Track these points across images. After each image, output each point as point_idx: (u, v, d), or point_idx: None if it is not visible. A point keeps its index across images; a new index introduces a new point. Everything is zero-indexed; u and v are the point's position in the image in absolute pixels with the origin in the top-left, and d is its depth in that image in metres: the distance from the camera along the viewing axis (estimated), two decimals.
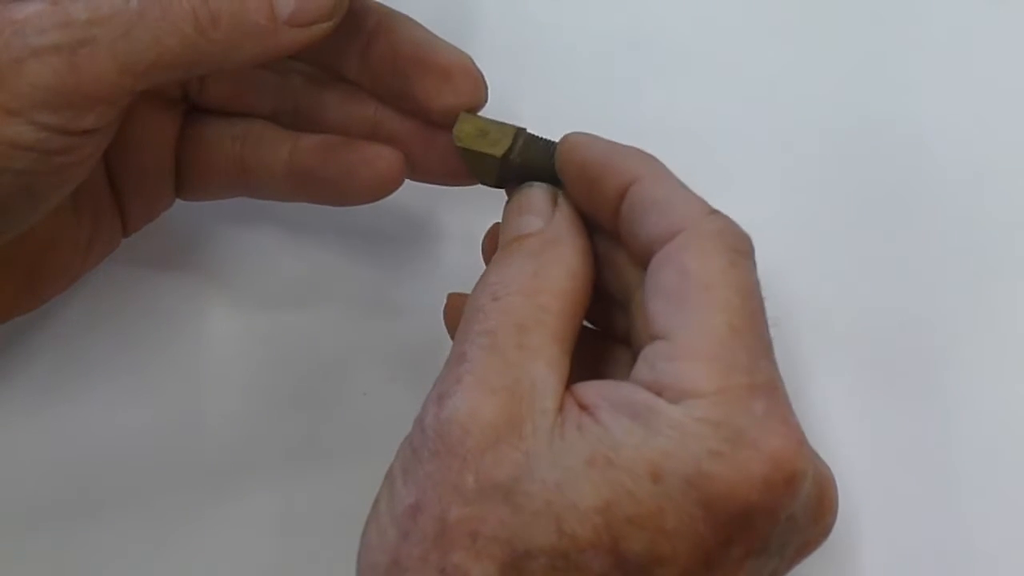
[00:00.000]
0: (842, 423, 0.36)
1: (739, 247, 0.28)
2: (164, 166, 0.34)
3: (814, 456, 0.27)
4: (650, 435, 0.25)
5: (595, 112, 0.31)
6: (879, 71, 0.41)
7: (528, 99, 0.37)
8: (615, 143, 0.30)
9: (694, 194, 0.29)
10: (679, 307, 0.27)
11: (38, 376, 0.36)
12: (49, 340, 0.36)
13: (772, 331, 0.30)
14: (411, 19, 0.33)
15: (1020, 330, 0.38)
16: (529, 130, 0.32)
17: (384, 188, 0.34)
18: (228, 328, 0.37)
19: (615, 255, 0.30)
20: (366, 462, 0.35)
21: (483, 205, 0.35)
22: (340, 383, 0.37)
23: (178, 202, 0.36)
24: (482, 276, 0.29)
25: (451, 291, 0.34)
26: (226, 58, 0.29)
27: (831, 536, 0.33)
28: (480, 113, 0.33)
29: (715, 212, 0.28)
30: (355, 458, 0.36)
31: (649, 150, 0.30)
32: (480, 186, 0.33)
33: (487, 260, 0.33)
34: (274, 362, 0.37)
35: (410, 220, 0.37)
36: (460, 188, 0.34)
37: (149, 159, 0.34)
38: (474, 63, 0.33)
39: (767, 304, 0.30)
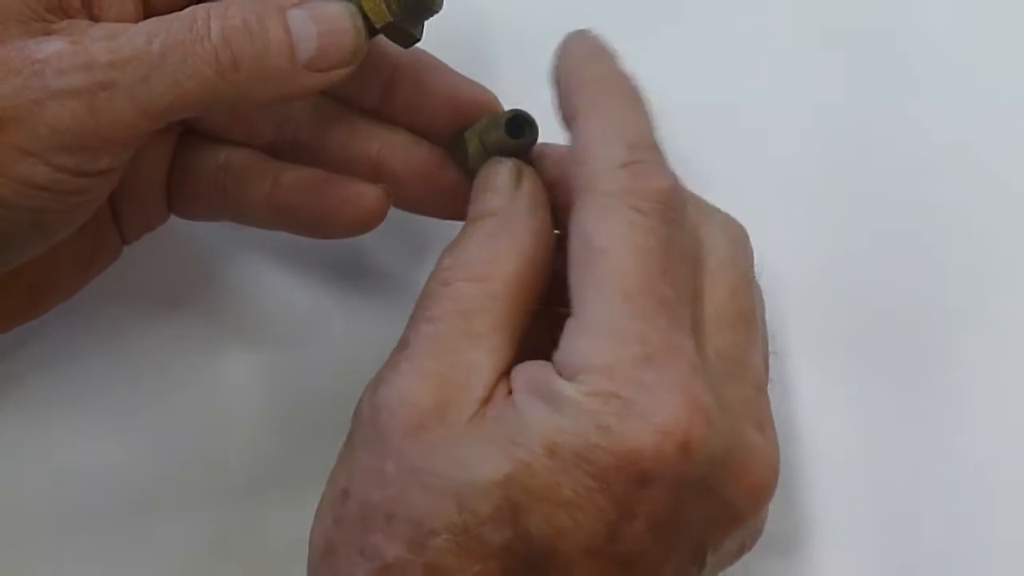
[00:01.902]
0: (835, 418, 0.36)
1: (641, 205, 0.27)
2: (158, 185, 0.34)
3: (738, 425, 0.27)
4: (549, 413, 0.26)
5: None
6: (876, 65, 0.41)
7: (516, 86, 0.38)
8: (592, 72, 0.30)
9: (617, 142, 0.28)
10: (579, 278, 0.27)
11: (36, 394, 0.36)
12: (47, 356, 0.36)
13: (771, 361, 0.30)
14: (432, 56, 0.33)
15: (1018, 327, 0.38)
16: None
17: (365, 225, 0.34)
18: (228, 330, 0.37)
19: None
20: None
21: None
22: (340, 383, 0.36)
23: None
24: (439, 257, 0.29)
25: None
26: (243, 99, 0.29)
27: (825, 531, 0.34)
28: None
29: (625, 165, 0.27)
30: None
31: None
32: None
33: None
34: (273, 363, 0.37)
35: (411, 224, 0.37)
36: None
37: (144, 178, 0.34)
38: (497, 99, 0.33)
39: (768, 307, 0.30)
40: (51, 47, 0.27)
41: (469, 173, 0.32)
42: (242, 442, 0.36)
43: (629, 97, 0.29)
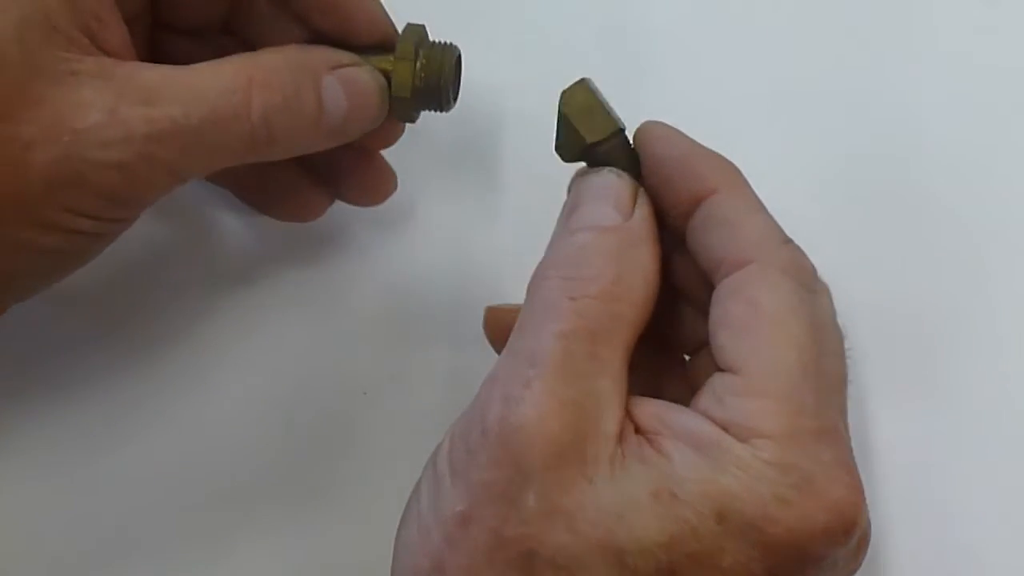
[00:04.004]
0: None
1: (809, 282, 0.28)
2: None
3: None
4: (716, 472, 0.25)
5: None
6: (880, 65, 0.41)
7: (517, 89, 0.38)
8: (697, 144, 0.29)
9: (770, 218, 0.29)
10: (750, 341, 0.26)
11: (40, 393, 0.36)
12: (43, 351, 0.36)
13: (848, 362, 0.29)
14: None
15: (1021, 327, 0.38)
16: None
17: (304, 220, 0.36)
18: (229, 330, 0.37)
19: (673, 255, 0.30)
20: (366, 461, 0.35)
21: (476, 209, 0.35)
22: (340, 383, 0.37)
23: (180, 210, 0.36)
24: (553, 256, 0.28)
25: (448, 289, 0.33)
26: (265, 159, 0.30)
27: None
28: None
29: (788, 242, 0.28)
30: (356, 458, 0.36)
31: None
32: (473, 190, 0.32)
33: (491, 334, 0.32)
34: (274, 362, 0.37)
35: (408, 222, 0.37)
36: (456, 192, 0.34)
37: None
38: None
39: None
40: (90, 117, 0.27)
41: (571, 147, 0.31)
42: (238, 430, 0.36)
43: (747, 181, 0.29)
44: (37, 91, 0.27)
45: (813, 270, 0.28)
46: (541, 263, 0.28)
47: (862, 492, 0.26)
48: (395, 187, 0.36)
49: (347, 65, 0.31)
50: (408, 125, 0.35)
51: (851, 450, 0.27)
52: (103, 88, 0.27)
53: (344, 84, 0.30)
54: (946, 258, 0.38)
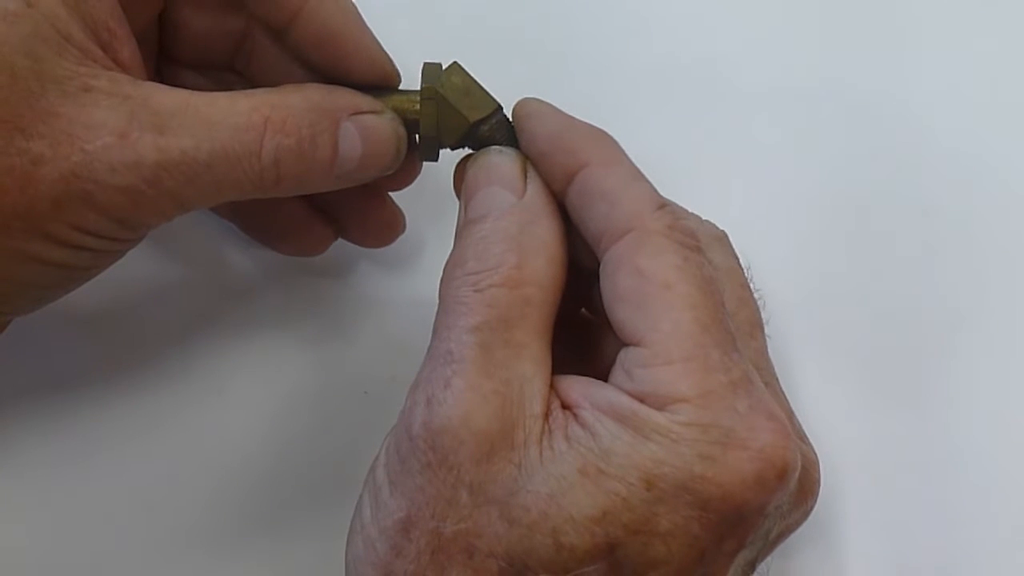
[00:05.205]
0: (832, 416, 0.36)
1: (689, 242, 0.27)
2: None
3: (800, 440, 0.27)
4: (639, 441, 0.25)
5: (585, 101, 0.31)
6: (875, 65, 0.41)
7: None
8: (569, 119, 0.30)
9: (644, 184, 0.28)
10: (644, 311, 0.27)
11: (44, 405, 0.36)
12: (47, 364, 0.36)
13: (765, 329, 0.30)
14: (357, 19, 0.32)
15: (1012, 326, 0.38)
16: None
17: (311, 253, 0.36)
18: (230, 331, 0.37)
19: (570, 230, 0.30)
20: (367, 462, 0.35)
21: None
22: (340, 383, 0.37)
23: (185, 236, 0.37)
24: (457, 253, 0.28)
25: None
26: (274, 196, 0.30)
27: (823, 529, 0.34)
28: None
29: (663, 206, 0.28)
30: (356, 457, 0.36)
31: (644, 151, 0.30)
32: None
33: (458, 189, 0.31)
34: (275, 363, 0.37)
35: (409, 223, 0.37)
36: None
37: None
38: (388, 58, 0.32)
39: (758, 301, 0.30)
40: (101, 139, 0.27)
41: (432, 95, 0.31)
42: (239, 430, 0.36)
43: (622, 151, 0.29)
44: (48, 104, 0.27)
45: (693, 231, 0.28)
46: (448, 262, 0.29)
47: (789, 434, 0.26)
48: (403, 230, 0.36)
49: (367, 112, 0.30)
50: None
51: (775, 392, 0.27)
52: (116, 108, 0.27)
53: (361, 131, 0.30)
54: (941, 258, 0.39)
